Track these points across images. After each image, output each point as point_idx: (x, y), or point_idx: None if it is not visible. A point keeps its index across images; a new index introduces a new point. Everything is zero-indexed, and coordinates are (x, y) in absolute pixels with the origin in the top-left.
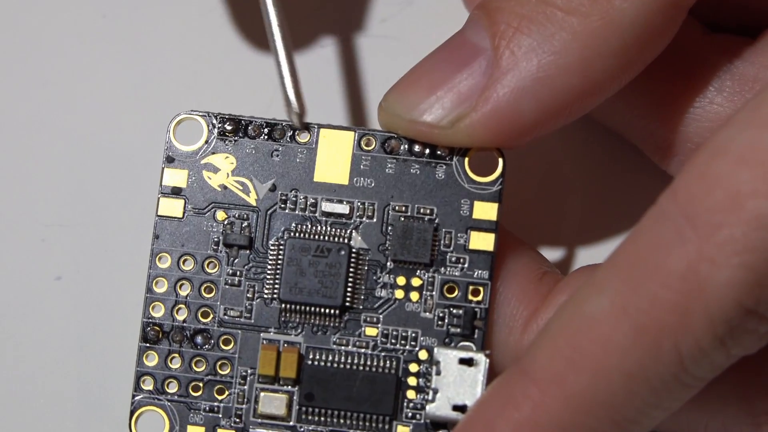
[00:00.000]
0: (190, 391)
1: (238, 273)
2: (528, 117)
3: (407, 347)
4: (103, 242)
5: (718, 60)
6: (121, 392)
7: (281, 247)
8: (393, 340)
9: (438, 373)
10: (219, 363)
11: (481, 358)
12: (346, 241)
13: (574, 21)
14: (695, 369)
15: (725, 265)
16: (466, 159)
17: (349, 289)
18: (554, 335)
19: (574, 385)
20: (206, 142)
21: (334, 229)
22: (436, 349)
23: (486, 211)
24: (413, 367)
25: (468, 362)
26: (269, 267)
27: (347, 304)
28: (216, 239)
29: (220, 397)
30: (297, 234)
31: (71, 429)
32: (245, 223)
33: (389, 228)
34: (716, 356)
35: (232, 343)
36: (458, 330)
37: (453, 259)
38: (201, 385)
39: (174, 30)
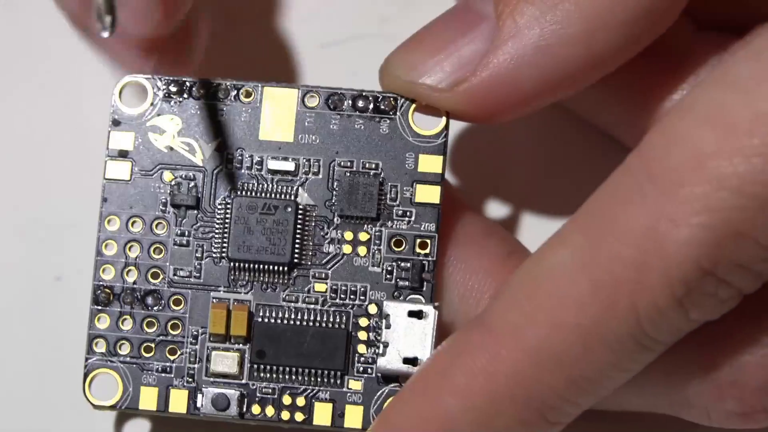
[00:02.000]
0: (143, 352)
1: (186, 233)
2: (527, 86)
3: (356, 302)
4: None
5: (706, 56)
6: None
7: (228, 206)
8: (342, 296)
9: (388, 326)
10: (170, 323)
11: (430, 310)
12: (292, 197)
13: None
14: (653, 330)
15: (685, 224)
16: (411, 113)
17: (297, 246)
18: (514, 288)
19: (530, 338)
20: (152, 104)
21: (280, 187)
22: (385, 303)
23: (431, 163)
24: (363, 322)
25: (417, 315)
26: (217, 226)
27: (295, 260)
28: (164, 200)
29: (172, 357)
30: (243, 192)
31: (73, 427)
32: (192, 183)
33: (335, 184)
34: (674, 318)
35: (183, 303)
36: (407, 283)
37: (399, 212)
38: (153, 346)
39: None
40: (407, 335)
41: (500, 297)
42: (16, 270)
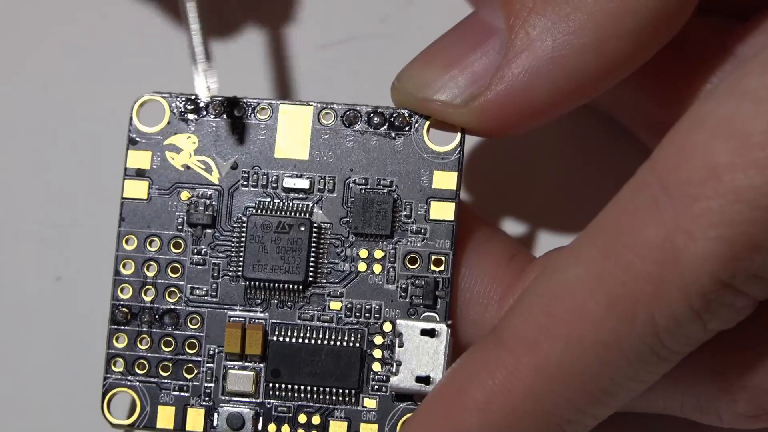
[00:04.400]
0: (160, 371)
1: (202, 252)
2: (542, 97)
3: (371, 320)
4: (103, 242)
5: (712, 40)
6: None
7: (243, 224)
8: (357, 314)
9: (401, 345)
10: (187, 342)
11: (443, 329)
12: (307, 216)
13: (590, 1)
14: (671, 342)
15: (701, 237)
16: (425, 130)
17: (311, 264)
18: (529, 302)
19: (547, 353)
20: (168, 122)
21: (295, 205)
22: (398, 321)
23: (445, 180)
24: (378, 340)
25: (430, 333)
26: (233, 245)
27: (310, 278)
28: (180, 219)
29: (189, 377)
30: (258, 211)
31: (73, 427)
32: (208, 202)
33: (350, 201)
34: (692, 329)
35: (199, 323)
36: (421, 301)
37: (414, 229)
38: (170, 365)
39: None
40: (420, 354)
41: (515, 312)
42: (16, 270)
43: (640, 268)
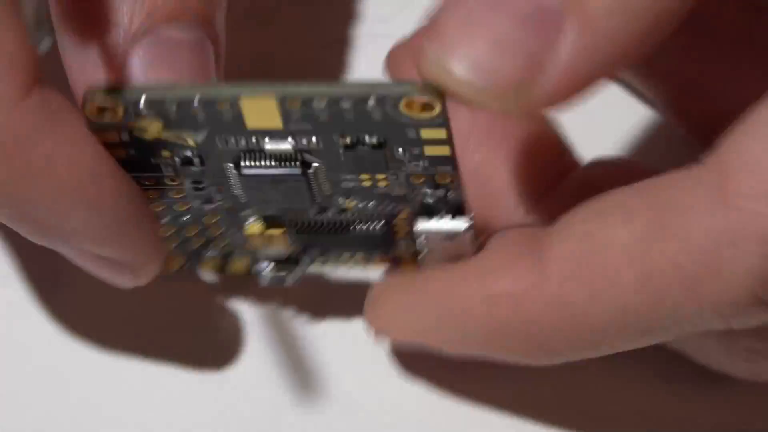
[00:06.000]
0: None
1: (202, 183)
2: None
3: (388, 209)
4: None
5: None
6: (122, 397)
7: (236, 176)
8: (372, 207)
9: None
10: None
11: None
12: (299, 170)
13: None
14: (689, 333)
15: (746, 251)
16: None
17: (315, 196)
18: (578, 235)
19: (570, 294)
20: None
21: (283, 163)
22: (417, 224)
23: (434, 133)
24: (403, 215)
25: (451, 236)
26: (234, 189)
27: (317, 202)
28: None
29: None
30: (246, 162)
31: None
32: (192, 153)
33: (341, 151)
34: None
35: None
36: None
37: (412, 162)
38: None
39: None
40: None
41: (564, 234)
42: (16, 270)
43: (681, 264)
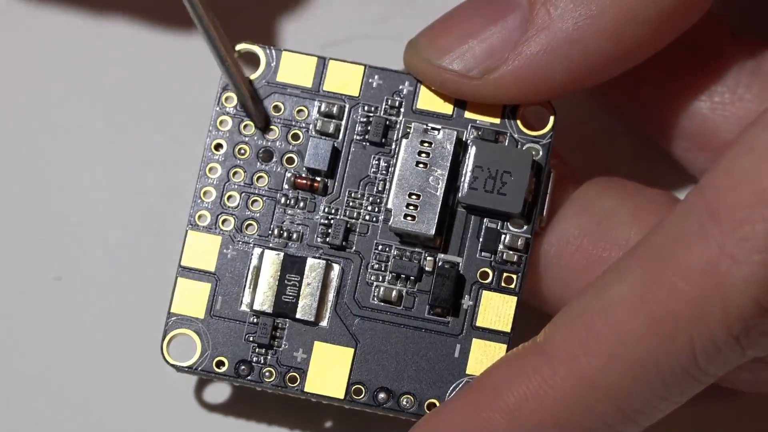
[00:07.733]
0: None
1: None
2: (557, 77)
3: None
4: (103, 242)
5: (746, 59)
6: (122, 392)
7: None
8: None
9: None
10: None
11: None
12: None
13: None
14: (707, 365)
15: (745, 261)
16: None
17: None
18: (572, 316)
19: (585, 367)
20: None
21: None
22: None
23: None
24: None
25: None
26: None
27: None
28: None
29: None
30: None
31: (73, 428)
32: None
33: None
34: (730, 354)
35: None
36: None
37: None
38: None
39: None
40: None
41: (558, 324)
42: (16, 270)
43: (683, 291)
